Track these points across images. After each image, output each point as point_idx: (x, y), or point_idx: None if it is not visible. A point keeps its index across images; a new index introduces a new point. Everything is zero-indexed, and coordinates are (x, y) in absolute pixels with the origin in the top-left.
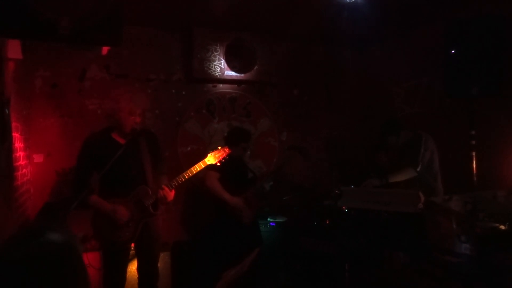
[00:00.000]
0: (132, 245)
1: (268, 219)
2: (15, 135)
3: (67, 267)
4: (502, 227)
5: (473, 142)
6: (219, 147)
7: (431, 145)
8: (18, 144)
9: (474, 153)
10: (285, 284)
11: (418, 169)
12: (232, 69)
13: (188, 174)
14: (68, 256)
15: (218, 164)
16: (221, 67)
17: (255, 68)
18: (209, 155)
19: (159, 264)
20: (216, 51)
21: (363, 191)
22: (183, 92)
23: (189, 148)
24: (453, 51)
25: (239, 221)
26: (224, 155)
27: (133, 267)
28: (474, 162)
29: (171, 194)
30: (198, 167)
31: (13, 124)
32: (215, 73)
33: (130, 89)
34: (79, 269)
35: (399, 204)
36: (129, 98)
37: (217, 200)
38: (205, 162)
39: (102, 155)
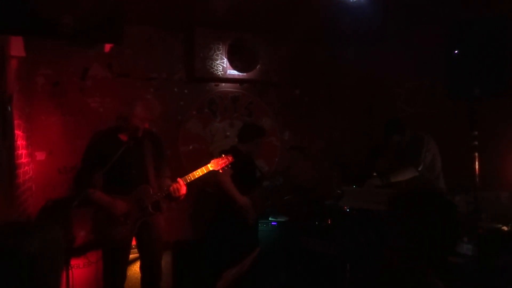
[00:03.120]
0: (134, 243)
1: (270, 219)
2: (18, 132)
3: (44, 266)
4: (505, 228)
5: (476, 143)
6: (223, 155)
7: (432, 146)
8: (20, 141)
9: (476, 154)
10: (286, 284)
11: (419, 169)
12: (234, 68)
13: (190, 178)
14: (48, 256)
15: (221, 171)
16: (224, 66)
17: (257, 67)
18: (212, 161)
19: None
20: (219, 50)
21: (364, 191)
22: (185, 91)
23: (190, 147)
24: (456, 52)
25: (243, 221)
26: (227, 163)
27: (136, 266)
28: (477, 163)
29: (184, 187)
30: (201, 172)
31: (16, 122)
32: (218, 72)
33: (145, 96)
34: (56, 270)
35: None
36: (144, 104)
37: (224, 198)
38: (208, 168)
39: (107, 153)
